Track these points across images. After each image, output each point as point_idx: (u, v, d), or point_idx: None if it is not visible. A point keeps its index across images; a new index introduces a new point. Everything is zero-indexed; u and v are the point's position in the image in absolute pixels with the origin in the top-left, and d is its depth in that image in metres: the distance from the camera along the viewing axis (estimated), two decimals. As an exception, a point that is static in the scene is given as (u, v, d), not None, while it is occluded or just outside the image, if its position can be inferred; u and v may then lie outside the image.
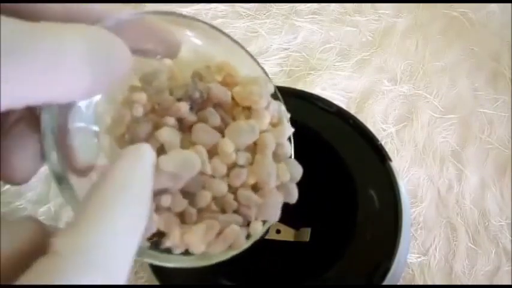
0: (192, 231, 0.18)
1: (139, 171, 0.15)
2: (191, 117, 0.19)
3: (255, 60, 0.22)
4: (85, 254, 0.13)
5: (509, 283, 0.35)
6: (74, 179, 0.18)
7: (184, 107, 0.19)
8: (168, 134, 0.18)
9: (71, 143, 0.18)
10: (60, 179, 0.17)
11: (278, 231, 0.33)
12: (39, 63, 0.13)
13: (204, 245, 0.18)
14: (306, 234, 0.33)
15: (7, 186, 0.37)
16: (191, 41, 0.21)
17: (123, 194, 0.14)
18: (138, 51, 0.16)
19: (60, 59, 0.13)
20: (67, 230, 0.13)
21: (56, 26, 0.14)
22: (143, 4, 0.47)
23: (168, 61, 0.20)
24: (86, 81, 0.14)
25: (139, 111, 0.19)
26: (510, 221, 0.37)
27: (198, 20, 0.21)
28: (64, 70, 0.13)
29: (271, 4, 0.50)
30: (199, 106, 0.20)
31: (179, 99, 0.19)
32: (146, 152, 0.16)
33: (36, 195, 0.37)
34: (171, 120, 0.19)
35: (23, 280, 0.12)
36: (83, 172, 0.18)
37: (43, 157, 0.17)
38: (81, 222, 0.13)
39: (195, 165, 0.18)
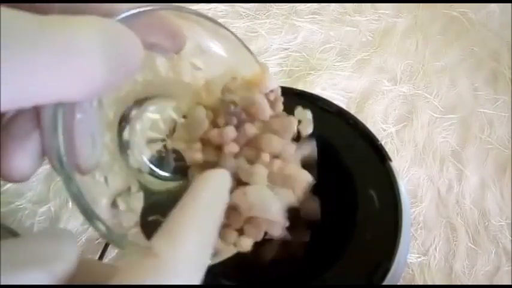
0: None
1: (222, 194, 0.17)
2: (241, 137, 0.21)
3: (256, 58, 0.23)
4: (182, 261, 0.14)
5: (509, 283, 0.35)
6: (77, 177, 0.18)
7: (232, 132, 0.20)
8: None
9: (74, 140, 0.18)
10: (68, 178, 0.17)
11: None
12: (50, 59, 0.12)
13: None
14: (305, 234, 0.33)
15: (7, 186, 0.37)
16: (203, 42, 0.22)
17: (209, 213, 0.16)
18: (144, 45, 0.16)
19: (73, 55, 0.13)
20: (163, 237, 0.15)
21: (67, 19, 0.13)
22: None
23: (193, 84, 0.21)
24: (99, 79, 0.13)
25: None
26: (510, 221, 0.37)
27: (206, 17, 0.21)
28: (77, 66, 0.13)
29: (271, 4, 0.50)
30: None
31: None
32: (227, 178, 0.18)
33: (36, 195, 0.37)
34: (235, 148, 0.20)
35: (121, 277, 0.13)
36: (86, 170, 0.18)
37: (44, 154, 0.17)
38: (177, 232, 0.15)
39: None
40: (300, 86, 0.42)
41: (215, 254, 0.21)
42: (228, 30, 0.22)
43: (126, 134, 0.22)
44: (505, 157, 0.41)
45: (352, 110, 0.42)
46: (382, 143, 0.32)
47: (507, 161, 0.41)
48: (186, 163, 0.21)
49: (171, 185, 0.23)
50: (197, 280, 0.15)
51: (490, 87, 0.45)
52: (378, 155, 0.31)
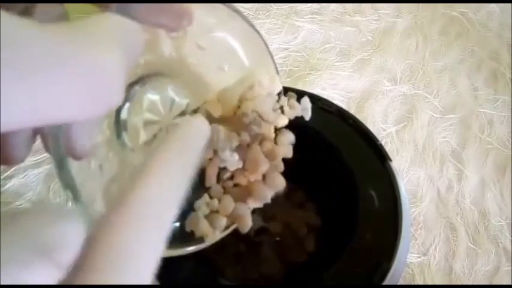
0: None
1: (196, 143, 0.17)
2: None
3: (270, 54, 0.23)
4: (147, 206, 0.13)
5: (509, 283, 0.35)
6: (73, 163, 0.18)
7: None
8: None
9: (70, 126, 0.18)
10: (61, 163, 0.17)
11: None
12: (71, 84, 0.12)
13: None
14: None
15: (7, 186, 0.37)
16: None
17: (179, 162, 0.15)
18: (147, 23, 0.16)
19: (96, 79, 0.12)
20: (129, 185, 0.14)
21: (85, 30, 0.12)
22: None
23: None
24: (117, 96, 0.13)
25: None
26: (510, 221, 0.37)
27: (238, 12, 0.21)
28: (99, 94, 0.12)
29: (271, 4, 0.50)
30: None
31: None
32: (204, 127, 0.17)
33: (36, 195, 0.37)
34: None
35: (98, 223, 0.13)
36: (82, 155, 0.18)
37: (35, 135, 0.17)
38: (146, 175, 0.14)
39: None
40: (300, 86, 0.43)
41: (202, 239, 0.22)
42: (250, 24, 0.22)
43: (124, 114, 0.21)
44: (505, 157, 0.41)
45: (352, 110, 0.42)
46: (382, 143, 0.32)
47: (507, 161, 0.41)
48: None
49: None
50: (169, 223, 0.14)
51: (490, 87, 0.45)
52: (378, 155, 0.31)
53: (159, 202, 0.14)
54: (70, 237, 0.13)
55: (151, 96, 0.22)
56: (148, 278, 0.13)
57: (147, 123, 0.22)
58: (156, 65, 0.21)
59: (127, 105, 0.21)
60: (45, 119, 0.12)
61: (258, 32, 0.22)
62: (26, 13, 0.18)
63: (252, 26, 0.22)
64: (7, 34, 0.11)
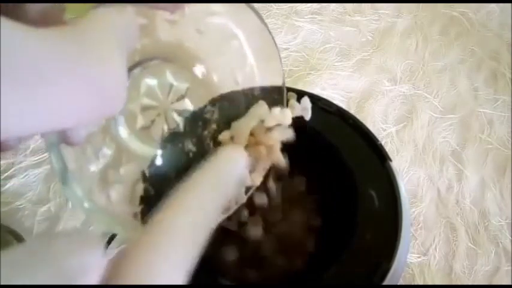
0: None
1: (232, 175, 0.18)
2: None
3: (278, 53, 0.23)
4: (174, 235, 0.15)
5: (509, 283, 0.35)
6: (68, 149, 0.18)
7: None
8: None
9: None
10: (51, 147, 0.17)
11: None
12: (84, 96, 0.12)
13: None
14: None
15: (7, 186, 0.37)
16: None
17: (212, 195, 0.16)
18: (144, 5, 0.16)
19: (105, 89, 0.13)
20: (161, 210, 0.15)
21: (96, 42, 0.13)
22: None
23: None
24: (120, 102, 0.14)
25: None
26: (510, 221, 0.37)
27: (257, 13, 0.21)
28: (109, 103, 0.13)
29: (271, 4, 0.50)
30: None
31: None
32: (242, 158, 0.18)
33: (36, 195, 0.37)
34: None
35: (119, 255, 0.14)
36: (77, 143, 0.18)
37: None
38: (174, 209, 0.15)
39: None
40: (300, 86, 0.42)
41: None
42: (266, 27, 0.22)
43: None
44: (505, 157, 0.41)
45: (352, 110, 0.42)
46: (382, 143, 0.32)
47: (507, 161, 0.41)
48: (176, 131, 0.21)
49: (160, 151, 0.22)
50: (189, 255, 0.15)
51: (490, 87, 0.45)
52: (378, 155, 0.31)
53: (187, 231, 0.15)
54: (92, 264, 0.13)
55: (149, 81, 0.21)
56: None
57: (145, 109, 0.22)
58: (153, 50, 0.21)
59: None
60: (45, 129, 0.12)
61: (266, 25, 0.22)
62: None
63: (261, 19, 0.21)
64: (10, 45, 0.11)
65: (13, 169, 0.38)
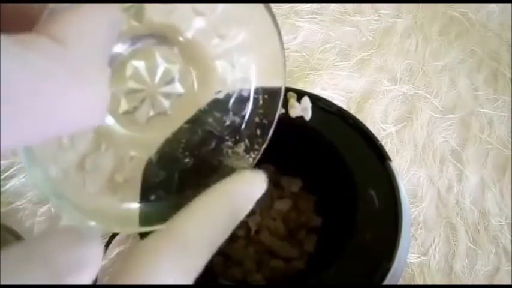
0: None
1: (251, 198, 0.18)
2: None
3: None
4: (193, 237, 0.16)
5: (509, 283, 0.35)
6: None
7: None
8: None
9: None
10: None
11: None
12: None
13: None
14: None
15: (7, 186, 0.37)
16: None
17: (230, 211, 0.17)
18: None
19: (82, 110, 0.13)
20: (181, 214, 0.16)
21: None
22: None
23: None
24: (101, 119, 0.14)
25: None
26: (510, 221, 0.37)
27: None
28: (83, 120, 0.13)
29: (271, 4, 0.50)
30: None
31: None
32: (263, 185, 0.19)
33: (36, 195, 0.37)
34: None
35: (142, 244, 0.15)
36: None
37: None
38: (193, 214, 0.16)
39: None
40: (300, 86, 0.42)
41: None
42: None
43: None
44: (505, 157, 0.41)
45: (352, 110, 0.42)
46: (382, 143, 0.32)
47: (507, 161, 0.41)
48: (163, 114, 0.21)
49: (144, 139, 0.21)
50: (205, 258, 0.16)
51: (490, 87, 0.45)
52: (378, 155, 0.31)
53: (196, 243, 0.16)
54: (89, 258, 0.13)
55: (136, 63, 0.20)
56: None
57: (130, 92, 0.20)
58: (143, 31, 0.20)
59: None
60: (24, 142, 0.13)
61: (277, 28, 0.21)
62: None
63: (274, 20, 0.20)
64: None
65: (13, 169, 0.38)
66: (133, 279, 0.14)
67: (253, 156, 0.23)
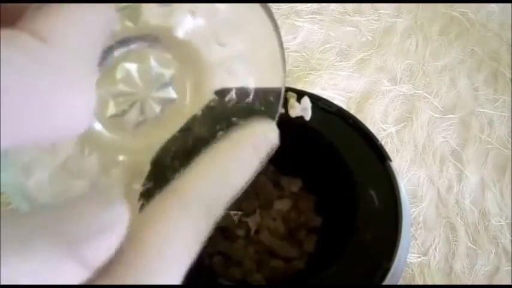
0: None
1: (262, 149, 0.18)
2: None
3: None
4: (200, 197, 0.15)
5: (509, 283, 0.35)
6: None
7: None
8: None
9: None
10: None
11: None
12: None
13: None
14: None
15: (7, 186, 0.37)
16: None
17: (237, 169, 0.16)
18: None
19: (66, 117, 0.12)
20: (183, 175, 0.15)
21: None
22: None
23: None
24: (86, 125, 0.13)
25: None
26: (510, 221, 0.37)
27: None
28: (68, 127, 0.12)
29: (271, 4, 0.50)
30: None
31: None
32: (275, 135, 0.18)
33: (36, 195, 0.37)
34: None
35: (145, 210, 0.14)
36: None
37: None
38: (193, 175, 0.15)
39: None
40: (300, 86, 0.42)
41: None
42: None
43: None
44: (505, 157, 0.41)
45: (352, 110, 0.42)
46: (382, 143, 0.32)
47: (507, 161, 0.41)
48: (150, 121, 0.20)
49: (132, 144, 0.20)
50: (219, 212, 0.15)
51: (490, 87, 0.45)
52: (378, 155, 0.31)
53: (207, 195, 0.15)
54: (114, 219, 0.13)
55: (128, 66, 0.19)
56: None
57: (119, 95, 0.19)
58: (137, 32, 0.19)
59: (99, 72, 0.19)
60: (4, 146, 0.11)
61: (277, 31, 0.20)
62: None
63: (274, 23, 0.20)
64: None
65: (13, 169, 0.38)
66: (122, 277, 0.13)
67: None
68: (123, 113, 0.19)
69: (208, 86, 0.21)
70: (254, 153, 0.17)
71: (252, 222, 0.33)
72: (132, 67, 0.19)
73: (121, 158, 0.20)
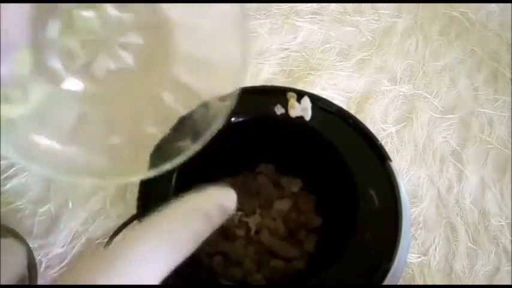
0: None
1: (217, 216, 0.19)
2: None
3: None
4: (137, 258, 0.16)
5: (509, 283, 0.35)
6: None
7: None
8: None
9: None
10: None
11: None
12: None
13: None
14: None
15: (7, 186, 0.37)
16: None
17: (191, 227, 0.18)
18: None
19: None
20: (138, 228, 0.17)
21: None
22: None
23: None
24: None
25: None
26: (510, 221, 0.37)
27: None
28: None
29: (271, 4, 0.50)
30: None
31: None
32: (232, 202, 0.20)
33: (36, 195, 0.37)
34: None
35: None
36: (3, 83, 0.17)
37: None
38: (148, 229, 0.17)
39: None
40: (300, 86, 0.42)
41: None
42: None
43: (51, 33, 0.18)
44: (505, 157, 0.41)
45: (352, 110, 0.42)
46: (382, 143, 0.32)
47: (507, 161, 0.41)
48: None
49: (107, 94, 0.20)
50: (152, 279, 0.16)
51: (490, 87, 0.45)
52: (378, 155, 0.31)
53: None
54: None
55: (85, 13, 0.18)
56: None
57: (85, 44, 0.19)
58: None
59: (55, 23, 0.18)
60: None
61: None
62: None
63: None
64: None
65: (13, 169, 0.38)
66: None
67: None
68: (92, 61, 0.19)
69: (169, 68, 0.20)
70: (208, 223, 0.18)
71: (252, 222, 0.33)
72: (89, 14, 0.19)
73: (92, 108, 0.20)
